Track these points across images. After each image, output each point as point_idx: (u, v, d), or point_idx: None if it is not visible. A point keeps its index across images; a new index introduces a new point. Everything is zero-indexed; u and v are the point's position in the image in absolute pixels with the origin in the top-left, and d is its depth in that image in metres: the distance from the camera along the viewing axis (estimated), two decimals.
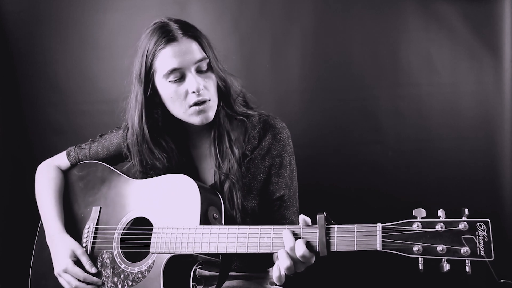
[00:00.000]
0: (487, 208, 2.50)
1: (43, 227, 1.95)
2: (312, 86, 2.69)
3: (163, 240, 1.63)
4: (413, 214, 1.31)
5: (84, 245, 1.84)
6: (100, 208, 1.87)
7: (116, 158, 2.00)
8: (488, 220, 1.23)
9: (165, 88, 1.69)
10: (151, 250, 1.65)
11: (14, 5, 2.79)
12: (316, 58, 2.68)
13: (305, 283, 2.10)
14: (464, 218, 1.25)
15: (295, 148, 1.90)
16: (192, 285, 1.62)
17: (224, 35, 2.68)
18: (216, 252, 1.55)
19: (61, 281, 1.82)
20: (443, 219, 1.27)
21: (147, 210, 1.74)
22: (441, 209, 1.28)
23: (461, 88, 2.57)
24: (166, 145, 1.81)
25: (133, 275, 1.69)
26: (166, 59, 1.65)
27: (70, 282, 1.78)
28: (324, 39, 2.66)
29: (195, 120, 1.71)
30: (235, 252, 1.51)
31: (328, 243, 1.38)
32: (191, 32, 1.70)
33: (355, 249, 1.35)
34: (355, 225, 1.36)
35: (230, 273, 1.86)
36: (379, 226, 1.33)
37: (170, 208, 1.67)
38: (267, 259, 1.78)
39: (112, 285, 1.74)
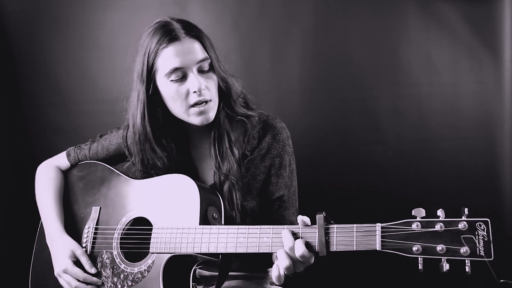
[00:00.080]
0: (487, 208, 2.50)
1: (43, 228, 1.95)
2: (312, 86, 2.69)
3: (163, 240, 1.63)
4: (413, 214, 1.31)
5: (84, 245, 1.85)
6: (100, 208, 1.87)
7: (115, 158, 2.00)
8: (488, 219, 1.23)
9: (166, 87, 1.69)
10: (150, 250, 1.65)
11: (14, 5, 2.79)
12: (316, 58, 2.68)
13: (304, 283, 2.09)
14: (463, 218, 1.25)
15: (295, 148, 1.90)
16: (192, 285, 1.62)
17: (224, 35, 2.68)
18: (215, 252, 1.55)
19: (61, 281, 1.82)
20: (443, 219, 1.27)
21: (147, 210, 1.74)
22: (440, 209, 1.28)
23: (461, 88, 2.57)
24: (167, 144, 1.81)
25: (132, 275, 1.69)
26: (168, 58, 1.65)
27: (70, 283, 1.78)
28: (324, 39, 2.66)
29: (196, 120, 1.71)
30: (235, 252, 1.51)
31: (327, 243, 1.38)
32: (193, 31, 1.70)
33: (354, 249, 1.35)
34: (354, 225, 1.36)
35: (230, 273, 1.86)
36: (378, 226, 1.33)
37: (170, 208, 1.67)
38: (267, 259, 1.78)
39: (112, 285, 1.74)
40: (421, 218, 1.29)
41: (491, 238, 1.21)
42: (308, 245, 1.40)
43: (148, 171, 1.83)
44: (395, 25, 2.61)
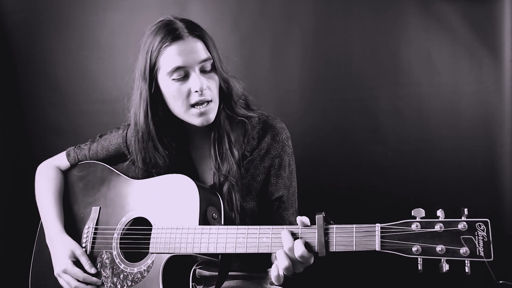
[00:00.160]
0: (487, 208, 2.49)
1: (43, 228, 1.95)
2: (312, 86, 2.68)
3: (163, 240, 1.63)
4: (412, 214, 1.31)
5: (83, 245, 1.85)
6: (100, 208, 1.87)
7: (115, 159, 2.00)
8: (488, 220, 1.23)
9: (168, 86, 1.69)
10: (150, 250, 1.65)
11: (14, 5, 2.79)
12: (316, 58, 2.68)
13: (304, 283, 2.09)
14: (463, 218, 1.25)
15: (295, 149, 1.90)
16: (192, 285, 1.62)
17: (224, 35, 2.68)
18: (215, 252, 1.55)
19: (61, 281, 1.82)
20: (442, 219, 1.27)
21: (147, 210, 1.74)
22: (440, 209, 1.28)
23: (461, 88, 2.57)
24: (168, 143, 1.81)
25: (132, 275, 1.69)
26: (171, 57, 1.65)
27: (70, 283, 1.79)
28: (324, 39, 2.66)
29: (196, 121, 1.71)
30: (234, 252, 1.51)
31: (326, 243, 1.38)
32: (197, 31, 1.71)
33: (354, 250, 1.35)
34: (354, 225, 1.36)
35: (230, 273, 1.86)
36: (377, 226, 1.33)
37: (170, 208, 1.68)
38: (266, 260, 1.78)
39: (112, 285, 1.74)
40: (421, 218, 1.29)
41: (490, 239, 1.21)
42: (307, 245, 1.40)
43: (149, 169, 1.83)
44: (395, 25, 2.61)
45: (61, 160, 2.06)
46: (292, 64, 2.68)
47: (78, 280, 1.78)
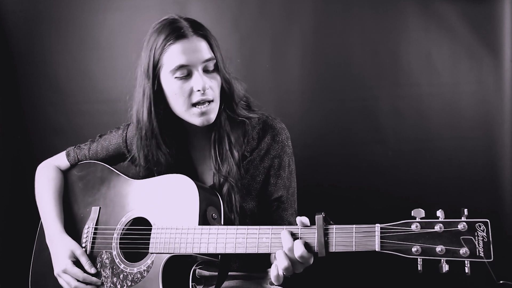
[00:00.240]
0: (487, 208, 2.49)
1: (43, 227, 1.95)
2: (312, 86, 2.69)
3: (162, 240, 1.63)
4: (412, 214, 1.30)
5: (83, 245, 1.84)
6: (100, 208, 1.87)
7: (115, 159, 2.00)
8: (488, 220, 1.23)
9: (170, 84, 1.69)
10: (150, 250, 1.65)
11: (14, 5, 2.79)
12: (316, 58, 2.68)
13: (304, 284, 2.09)
14: (463, 219, 1.25)
15: (295, 149, 1.90)
16: (192, 285, 1.62)
17: (224, 35, 2.67)
18: (214, 252, 1.55)
19: (61, 281, 1.82)
20: (442, 220, 1.27)
21: (146, 210, 1.74)
22: (440, 210, 1.28)
23: (461, 88, 2.57)
24: (170, 142, 1.81)
25: (132, 275, 1.69)
26: (174, 55, 1.65)
27: (70, 283, 1.78)
28: (324, 39, 2.66)
29: (196, 121, 1.71)
30: (234, 252, 1.51)
31: (326, 243, 1.38)
32: (201, 31, 1.71)
33: (354, 250, 1.35)
34: (354, 226, 1.36)
35: (230, 273, 1.86)
36: (377, 226, 1.33)
37: (169, 208, 1.67)
38: (266, 260, 1.77)
39: (111, 285, 1.74)
40: (421, 218, 1.29)
41: (490, 239, 1.21)
42: (307, 245, 1.40)
43: (150, 167, 1.82)
44: (395, 25, 2.61)
45: (61, 160, 2.06)
46: (292, 64, 2.68)
47: (78, 280, 1.78)
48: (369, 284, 2.60)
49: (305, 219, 1.44)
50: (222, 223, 1.66)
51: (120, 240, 1.77)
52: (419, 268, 1.27)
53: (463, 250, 1.22)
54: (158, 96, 1.73)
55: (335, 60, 2.66)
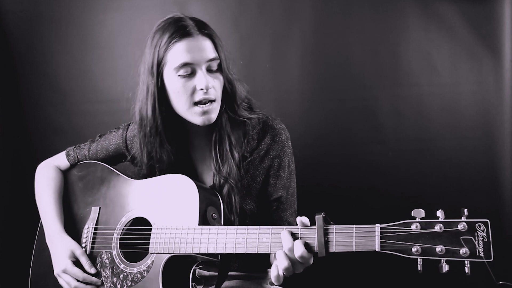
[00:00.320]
0: (487, 208, 2.49)
1: (42, 227, 1.95)
2: (312, 86, 2.68)
3: (162, 240, 1.63)
4: (412, 214, 1.30)
5: (83, 245, 1.84)
6: (100, 208, 1.87)
7: (115, 159, 2.00)
8: (487, 220, 1.23)
9: (173, 81, 1.69)
10: (150, 251, 1.65)
11: (14, 5, 2.79)
12: (316, 58, 2.68)
13: (304, 284, 2.09)
14: (463, 219, 1.25)
15: (295, 149, 1.90)
16: (192, 285, 1.62)
17: (224, 35, 2.66)
18: (215, 252, 1.55)
19: (61, 281, 1.82)
20: (442, 220, 1.27)
21: (146, 210, 1.74)
22: (440, 210, 1.28)
23: (461, 88, 2.57)
24: (172, 139, 1.81)
25: (132, 275, 1.69)
26: (179, 53, 1.65)
27: (69, 283, 1.78)
28: (324, 39, 2.66)
29: (198, 120, 1.71)
30: (234, 252, 1.51)
31: (326, 243, 1.38)
32: (206, 30, 1.71)
33: (354, 250, 1.35)
34: (354, 226, 1.36)
35: (230, 273, 1.86)
36: (377, 226, 1.33)
37: (169, 208, 1.67)
38: (266, 260, 1.77)
39: (111, 285, 1.74)
40: (421, 219, 1.29)
41: (490, 239, 1.21)
42: (307, 246, 1.40)
43: (153, 164, 1.82)
44: (395, 25, 2.60)
45: (60, 160, 2.06)
46: (292, 64, 2.68)
47: (78, 280, 1.78)
48: (369, 284, 2.60)
49: (305, 219, 1.44)
50: (222, 223, 1.66)
51: (120, 240, 1.77)
52: (419, 268, 1.27)
53: (463, 250, 1.22)
54: (160, 94, 1.73)
55: (335, 60, 2.66)
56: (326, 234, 1.38)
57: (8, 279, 2.75)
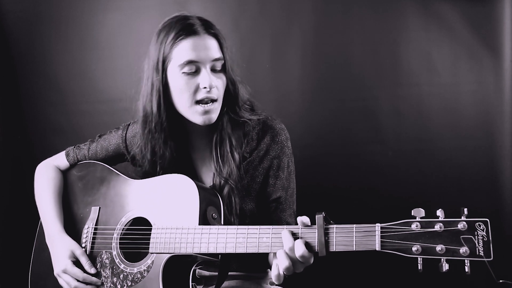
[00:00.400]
0: (487, 208, 2.49)
1: (42, 227, 1.95)
2: (312, 86, 2.69)
3: (162, 240, 1.63)
4: (412, 214, 1.31)
5: (83, 245, 1.84)
6: (99, 208, 1.87)
7: (115, 159, 2.00)
8: (487, 220, 1.23)
9: (177, 78, 1.69)
10: (150, 250, 1.65)
11: (14, 5, 2.79)
12: (316, 58, 2.68)
13: (304, 283, 2.09)
14: (463, 218, 1.25)
15: (295, 149, 1.90)
16: (192, 285, 1.62)
17: (224, 35, 2.67)
18: (215, 252, 1.54)
19: (61, 281, 1.82)
20: (442, 219, 1.27)
21: (146, 210, 1.74)
22: (440, 209, 1.28)
23: (461, 88, 2.57)
24: (174, 138, 1.81)
25: (132, 275, 1.69)
26: (184, 50, 1.66)
27: (69, 283, 1.78)
28: (324, 39, 2.66)
29: (198, 119, 1.71)
30: (234, 252, 1.51)
31: (326, 243, 1.38)
32: (213, 30, 1.72)
33: (354, 249, 1.35)
34: (354, 225, 1.36)
35: (230, 273, 1.86)
36: (377, 226, 1.33)
37: (169, 208, 1.67)
38: (265, 260, 1.77)
39: (112, 285, 1.74)
40: (421, 218, 1.29)
41: (490, 238, 1.21)
42: (307, 245, 1.40)
43: (156, 160, 1.82)
44: (395, 25, 2.61)
45: (60, 160, 2.06)
46: (292, 64, 2.68)
47: (78, 280, 1.78)
48: (370, 283, 2.60)
49: (306, 219, 1.44)
50: (222, 223, 1.66)
51: (120, 240, 1.77)
52: (419, 267, 1.27)
53: (463, 249, 1.22)
54: (164, 90, 1.73)
55: (335, 60, 2.66)
56: (326, 233, 1.38)
57: (8, 279, 2.75)
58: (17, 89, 2.84)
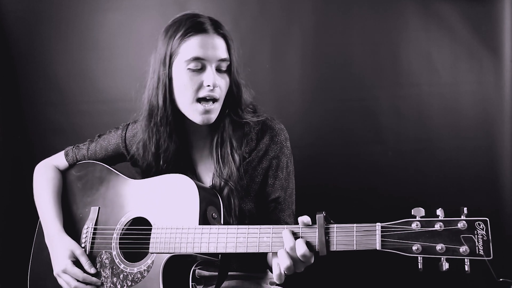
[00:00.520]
0: (487, 207, 2.49)
1: (41, 228, 1.94)
2: (312, 86, 2.69)
3: (162, 240, 1.62)
4: (412, 213, 1.31)
5: (82, 245, 1.84)
6: (99, 208, 1.87)
7: (114, 159, 2.00)
8: (487, 219, 1.23)
9: (182, 74, 1.69)
10: (150, 250, 1.65)
11: (14, 5, 2.79)
12: (316, 58, 2.68)
13: (305, 283, 2.09)
14: (463, 217, 1.25)
15: (295, 149, 1.90)
16: (192, 285, 1.62)
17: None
18: (215, 252, 1.54)
19: (60, 281, 1.81)
20: (442, 218, 1.27)
21: (146, 210, 1.74)
22: (440, 208, 1.28)
23: (461, 88, 2.57)
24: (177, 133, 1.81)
25: (132, 275, 1.69)
26: (192, 47, 1.67)
27: (69, 283, 1.78)
28: (324, 39, 2.66)
29: (197, 118, 1.72)
30: (234, 252, 1.51)
31: (327, 242, 1.38)
32: (222, 30, 1.74)
33: (355, 249, 1.35)
34: (354, 225, 1.36)
35: (230, 273, 1.86)
36: (378, 225, 1.33)
37: (169, 208, 1.67)
38: (264, 260, 1.77)
39: (111, 285, 1.73)
40: (421, 217, 1.29)
41: (490, 237, 1.21)
42: (308, 244, 1.40)
43: (160, 154, 1.81)
44: (395, 25, 2.61)
45: (59, 160, 2.06)
46: (292, 64, 2.68)
47: (78, 280, 1.77)
48: (370, 282, 2.60)
49: (306, 218, 1.44)
50: (222, 222, 1.66)
51: (119, 240, 1.77)
52: (419, 267, 1.28)
53: (463, 248, 1.22)
54: (169, 85, 1.74)
55: (335, 60, 2.66)
56: (327, 233, 1.38)
57: (8, 279, 2.75)
58: (17, 89, 2.84)
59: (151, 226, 1.68)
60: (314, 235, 1.40)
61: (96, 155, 2.01)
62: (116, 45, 2.78)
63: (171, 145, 1.79)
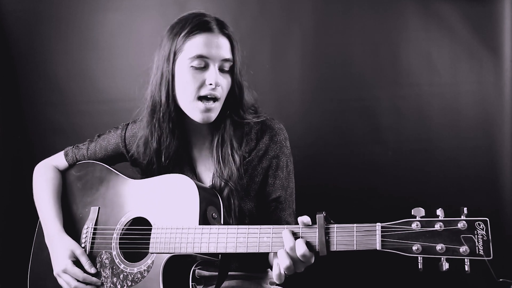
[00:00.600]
0: (487, 207, 2.50)
1: (41, 228, 1.94)
2: (312, 86, 2.69)
3: (162, 240, 1.62)
4: (412, 213, 1.31)
5: (82, 245, 1.84)
6: (99, 208, 1.87)
7: (114, 158, 2.00)
8: (487, 219, 1.23)
9: (184, 71, 1.70)
10: (150, 250, 1.65)
11: (14, 5, 2.79)
12: (316, 58, 2.68)
13: (305, 283, 2.09)
14: (463, 217, 1.25)
15: (295, 149, 1.90)
16: (192, 285, 1.62)
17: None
18: (215, 252, 1.54)
19: (60, 281, 1.81)
20: (442, 218, 1.27)
21: (146, 210, 1.74)
22: (440, 208, 1.28)
23: (461, 88, 2.57)
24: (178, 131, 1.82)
25: (132, 275, 1.69)
26: (197, 44, 1.68)
27: (69, 283, 1.78)
28: (324, 39, 2.66)
29: (197, 116, 1.72)
30: (235, 252, 1.51)
31: (327, 242, 1.38)
32: (227, 31, 1.74)
33: (355, 249, 1.35)
34: (355, 225, 1.36)
35: (230, 273, 1.86)
36: (378, 225, 1.33)
37: (169, 208, 1.67)
38: (265, 260, 1.77)
39: (112, 285, 1.73)
40: (421, 217, 1.29)
41: (490, 237, 1.21)
42: (308, 244, 1.40)
43: (162, 149, 1.81)
44: (395, 25, 2.61)
45: (59, 160, 2.05)
46: (292, 64, 2.68)
47: (78, 280, 1.77)
48: (370, 283, 2.60)
49: (306, 218, 1.44)
50: (222, 222, 1.66)
51: (119, 240, 1.77)
52: (419, 267, 1.27)
53: (463, 248, 1.22)
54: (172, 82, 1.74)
55: (335, 60, 2.66)
56: (327, 233, 1.38)
57: (8, 279, 2.75)
58: (17, 89, 2.84)
59: (151, 226, 1.68)
60: (314, 235, 1.40)
61: (95, 155, 2.01)
62: (116, 45, 2.78)
63: (173, 141, 1.80)
